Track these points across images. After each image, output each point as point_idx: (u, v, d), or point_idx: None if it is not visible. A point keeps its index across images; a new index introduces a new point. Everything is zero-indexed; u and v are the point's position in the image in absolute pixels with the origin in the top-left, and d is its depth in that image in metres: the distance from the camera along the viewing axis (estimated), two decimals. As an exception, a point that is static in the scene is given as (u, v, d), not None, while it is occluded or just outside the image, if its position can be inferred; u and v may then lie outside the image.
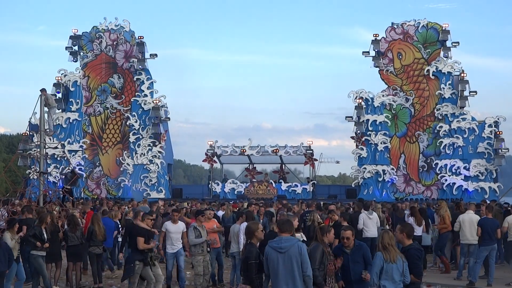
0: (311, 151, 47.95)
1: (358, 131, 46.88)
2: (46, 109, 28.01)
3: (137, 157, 48.04)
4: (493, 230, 17.25)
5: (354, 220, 19.69)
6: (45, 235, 15.80)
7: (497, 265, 18.83)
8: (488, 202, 25.94)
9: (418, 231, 19.13)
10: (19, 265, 15.05)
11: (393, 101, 46.97)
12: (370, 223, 19.25)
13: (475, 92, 46.48)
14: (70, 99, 49.23)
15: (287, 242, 9.52)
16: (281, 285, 9.41)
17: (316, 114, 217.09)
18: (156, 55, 49.90)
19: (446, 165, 45.57)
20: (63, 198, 28.99)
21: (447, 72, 46.62)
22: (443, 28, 47.08)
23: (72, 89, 49.29)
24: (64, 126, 48.50)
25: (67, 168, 41.85)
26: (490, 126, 45.47)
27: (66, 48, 50.17)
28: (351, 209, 25.23)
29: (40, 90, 28.27)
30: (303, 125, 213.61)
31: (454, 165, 45.46)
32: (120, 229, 21.08)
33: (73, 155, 47.88)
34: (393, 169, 46.32)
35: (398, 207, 23.58)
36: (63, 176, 33.00)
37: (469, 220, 18.04)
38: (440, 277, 18.75)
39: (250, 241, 10.35)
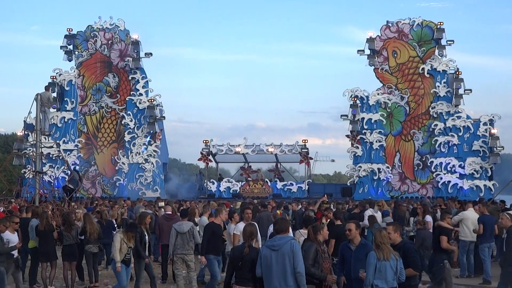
0: (306, 150, 47.94)
1: (353, 130, 46.87)
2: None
3: (132, 156, 48.00)
4: (493, 227, 17.47)
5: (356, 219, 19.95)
6: (146, 236, 15.43)
7: (493, 262, 18.91)
8: (485, 200, 26.02)
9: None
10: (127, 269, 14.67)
11: (388, 99, 47.01)
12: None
13: (470, 90, 46.55)
14: (65, 98, 49.19)
15: (280, 240, 9.71)
16: (273, 283, 9.55)
17: (310, 113, 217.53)
18: (151, 54, 49.86)
19: (441, 163, 45.63)
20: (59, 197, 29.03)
21: (442, 70, 46.67)
22: (438, 27, 47.12)
23: (67, 89, 49.25)
24: (59, 125, 48.46)
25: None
26: (485, 124, 45.52)
27: (61, 47, 50.14)
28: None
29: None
30: (296, 124, 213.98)
31: (449, 163, 45.53)
32: (116, 228, 21.13)
33: (68, 154, 47.84)
34: (388, 167, 46.35)
35: (400, 205, 23.74)
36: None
37: (472, 217, 18.19)
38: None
39: (248, 241, 10.37)
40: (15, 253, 15.52)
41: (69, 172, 42.90)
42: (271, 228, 15.00)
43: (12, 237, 15.38)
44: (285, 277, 9.46)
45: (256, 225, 11.14)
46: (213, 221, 15.49)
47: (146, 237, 15.41)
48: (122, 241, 14.39)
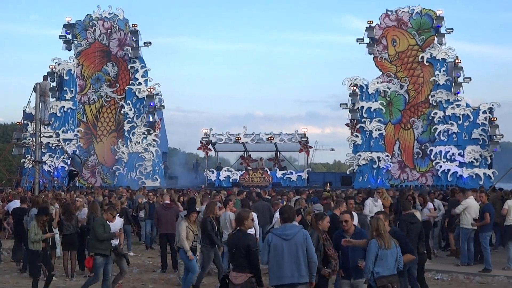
0: (306, 139, 47.84)
1: (353, 118, 46.77)
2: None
3: (132, 145, 47.99)
4: (494, 215, 17.73)
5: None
6: (216, 225, 15.05)
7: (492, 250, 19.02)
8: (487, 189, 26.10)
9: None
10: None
11: (387, 88, 46.90)
12: (375, 210, 19.48)
13: (470, 78, 46.47)
14: (64, 88, 49.15)
15: (291, 229, 9.76)
16: (285, 272, 9.59)
17: (307, 102, 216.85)
18: (150, 43, 49.75)
19: (440, 151, 45.55)
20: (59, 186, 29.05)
21: (442, 58, 46.52)
22: (437, 15, 46.99)
23: (66, 78, 49.19)
24: (59, 115, 48.42)
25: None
26: (484, 112, 45.39)
27: (60, 36, 50.01)
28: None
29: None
30: (295, 113, 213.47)
31: (448, 151, 45.46)
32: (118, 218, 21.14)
33: (68, 143, 47.84)
34: (388, 156, 46.31)
35: (404, 193, 23.66)
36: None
37: (474, 205, 18.27)
38: (436, 262, 18.84)
39: (240, 227, 10.34)
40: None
41: (68, 161, 43.00)
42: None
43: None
44: (298, 266, 9.56)
45: (249, 211, 11.10)
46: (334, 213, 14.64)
47: (216, 226, 15.07)
48: (188, 228, 14.03)
